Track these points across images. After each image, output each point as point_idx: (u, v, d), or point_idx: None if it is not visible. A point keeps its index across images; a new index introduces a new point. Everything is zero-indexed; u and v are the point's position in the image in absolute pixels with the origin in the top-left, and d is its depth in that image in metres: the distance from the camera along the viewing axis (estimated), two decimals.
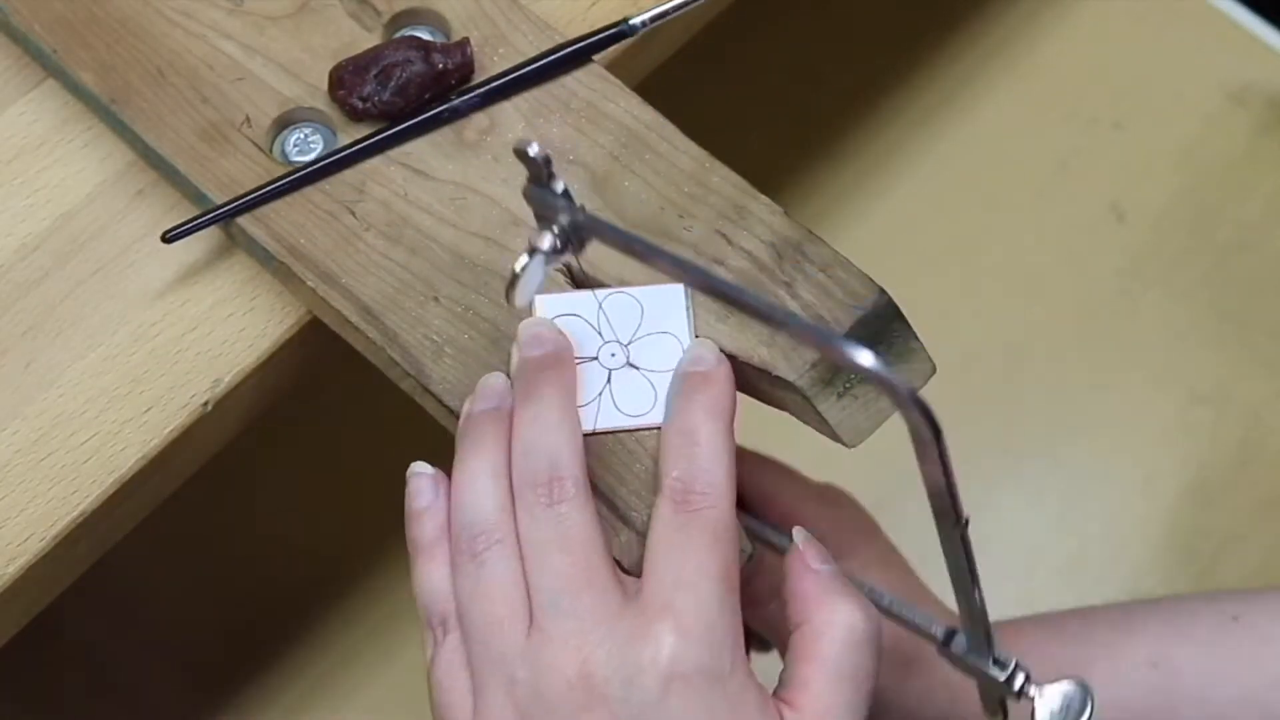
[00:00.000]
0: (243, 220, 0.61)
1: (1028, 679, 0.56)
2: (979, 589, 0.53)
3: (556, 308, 0.57)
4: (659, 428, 0.55)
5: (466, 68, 0.63)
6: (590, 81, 0.63)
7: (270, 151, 0.63)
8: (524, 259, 0.52)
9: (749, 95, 1.10)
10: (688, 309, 0.57)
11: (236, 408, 0.63)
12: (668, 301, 0.57)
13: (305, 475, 0.98)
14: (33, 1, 0.66)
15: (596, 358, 0.56)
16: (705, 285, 0.52)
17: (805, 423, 0.57)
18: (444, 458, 0.59)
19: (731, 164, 0.61)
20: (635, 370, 0.56)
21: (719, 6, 0.73)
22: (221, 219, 0.61)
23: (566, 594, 0.51)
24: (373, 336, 0.59)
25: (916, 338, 0.57)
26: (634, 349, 0.57)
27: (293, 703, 0.92)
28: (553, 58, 0.63)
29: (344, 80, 0.63)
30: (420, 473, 0.56)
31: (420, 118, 0.62)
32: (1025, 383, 1.03)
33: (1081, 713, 0.56)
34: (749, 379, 0.57)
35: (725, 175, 0.60)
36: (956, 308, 1.04)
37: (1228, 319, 1.04)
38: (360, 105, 0.62)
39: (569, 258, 0.53)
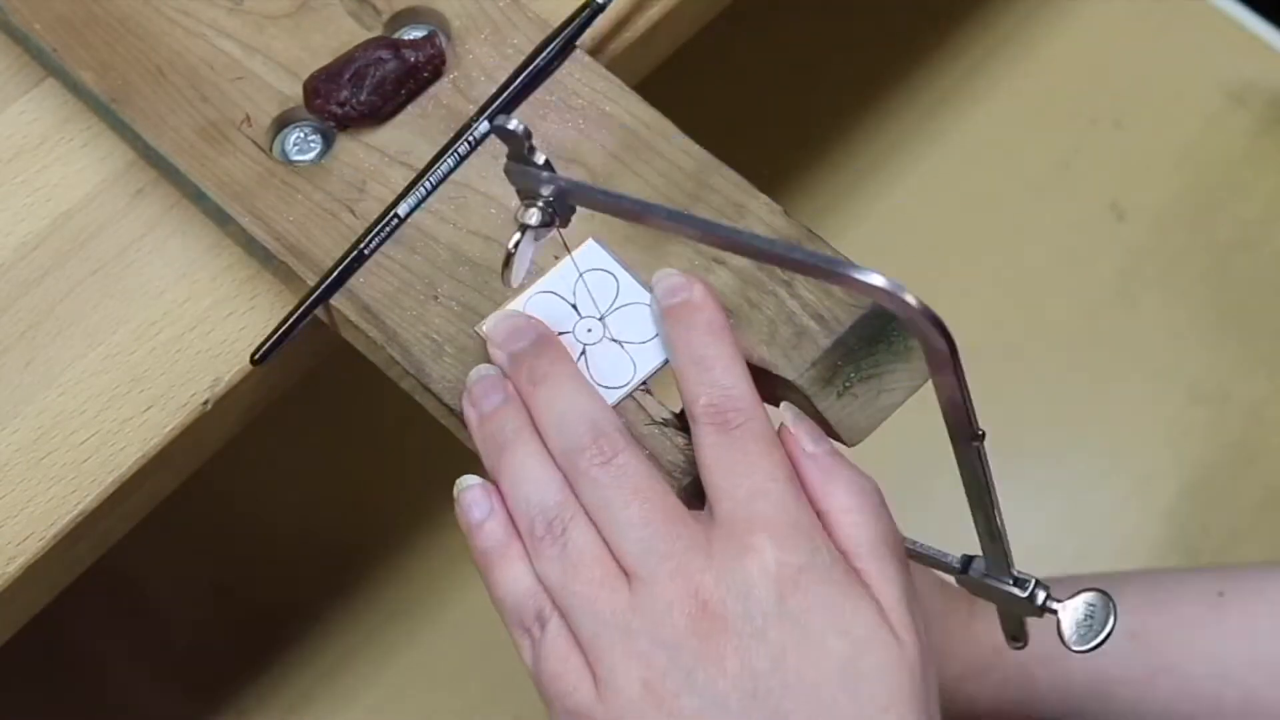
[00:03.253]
0: (243, 220, 0.61)
1: (1049, 594, 0.57)
2: (997, 507, 0.53)
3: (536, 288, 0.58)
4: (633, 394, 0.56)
5: (437, 59, 0.63)
6: (590, 81, 0.63)
7: (270, 150, 0.63)
8: (515, 236, 0.53)
9: (749, 95, 1.10)
10: (613, 255, 0.58)
11: (236, 406, 0.63)
12: (584, 257, 0.58)
13: (305, 475, 0.98)
14: (33, 1, 0.66)
15: (572, 332, 0.57)
16: (702, 235, 0.52)
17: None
18: (444, 457, 0.59)
19: (731, 164, 0.61)
20: (612, 343, 0.57)
21: (719, 6, 0.73)
22: (319, 302, 0.60)
23: (655, 537, 0.51)
24: (373, 335, 0.59)
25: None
26: (610, 321, 0.57)
27: (293, 702, 0.92)
28: (546, 53, 0.63)
29: (318, 90, 0.63)
30: (470, 485, 0.56)
31: (463, 157, 0.62)
32: (1025, 382, 1.03)
33: (1106, 621, 0.56)
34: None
35: (725, 175, 0.60)
36: (956, 307, 1.03)
37: (1228, 318, 1.04)
38: (340, 110, 0.62)
39: (556, 231, 0.53)
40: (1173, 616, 0.71)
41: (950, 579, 0.60)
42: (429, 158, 0.62)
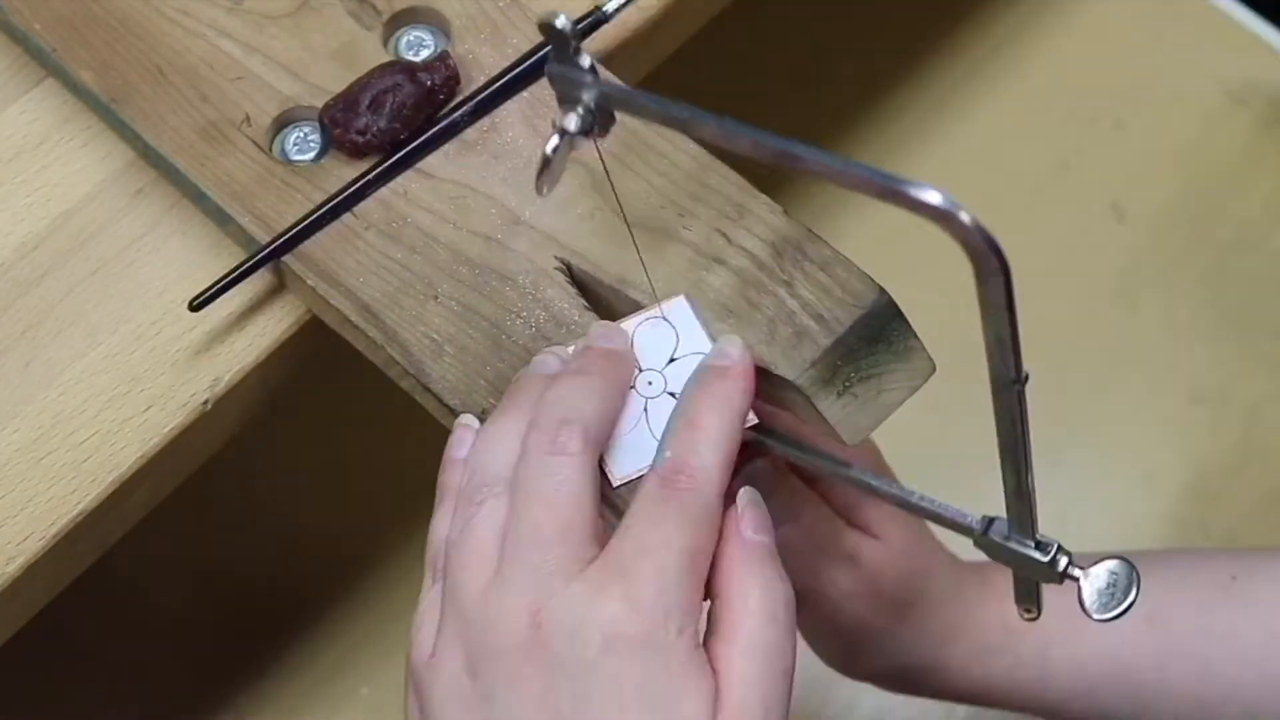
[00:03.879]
0: (243, 220, 0.61)
1: (1071, 560, 0.55)
2: (1029, 463, 0.51)
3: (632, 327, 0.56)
4: None
5: (453, 81, 0.63)
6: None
7: (270, 150, 0.63)
8: (553, 140, 0.51)
9: (749, 95, 1.10)
10: (699, 318, 0.57)
11: (236, 406, 0.63)
12: (684, 318, 0.57)
13: (305, 474, 0.98)
14: (33, 1, 0.66)
15: (634, 387, 0.56)
16: (754, 148, 0.48)
17: (805, 421, 0.57)
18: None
19: (731, 163, 0.61)
20: (673, 398, 0.55)
21: (718, 5, 0.73)
22: (259, 265, 0.61)
23: (536, 546, 0.51)
24: (372, 335, 0.59)
25: (916, 336, 0.57)
26: (670, 374, 0.56)
27: (293, 702, 0.92)
28: (537, 56, 0.63)
29: (336, 119, 0.62)
30: (466, 424, 0.56)
31: (428, 134, 0.62)
32: None
33: (1129, 590, 0.55)
34: None
35: (725, 174, 0.60)
36: (956, 307, 1.03)
37: (1227, 318, 1.04)
38: (360, 139, 0.62)
39: (593, 141, 0.51)
40: (1187, 599, 0.71)
41: (961, 556, 0.58)
42: (429, 156, 0.62)
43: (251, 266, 0.61)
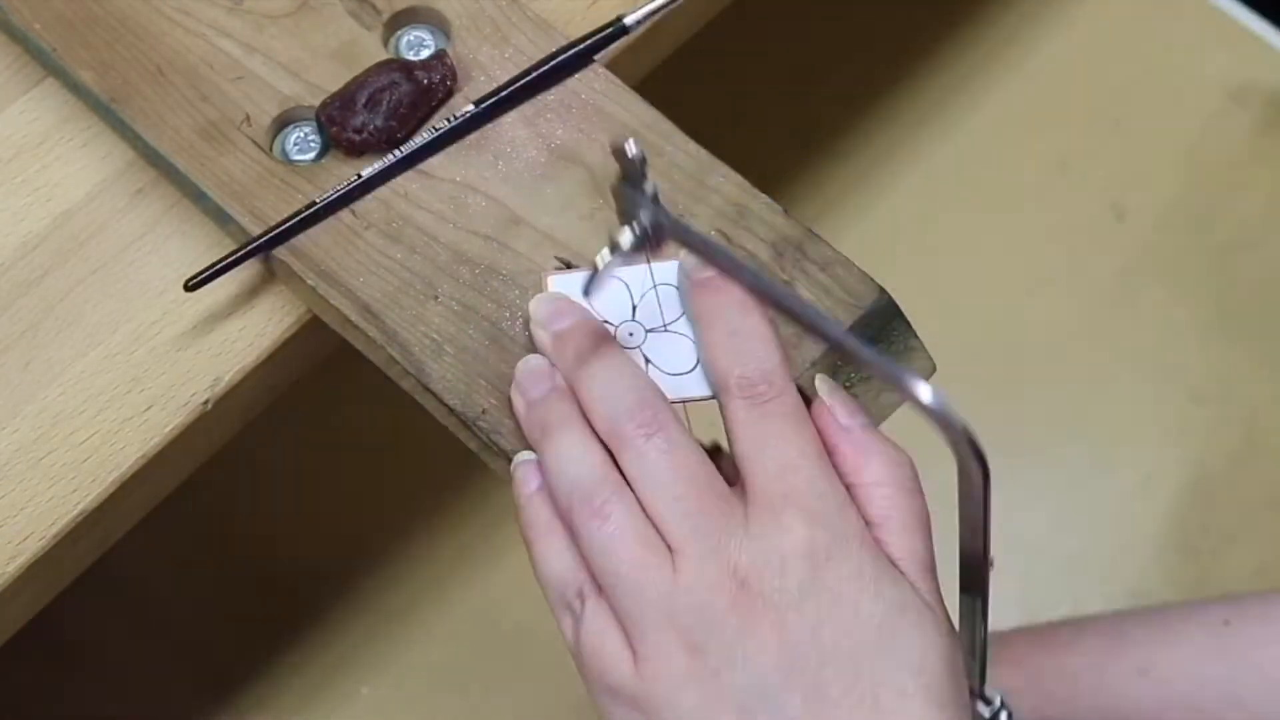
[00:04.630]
0: (243, 220, 0.61)
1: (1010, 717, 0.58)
2: (986, 627, 0.54)
3: (564, 285, 0.58)
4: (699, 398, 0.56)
5: (450, 80, 0.63)
6: (591, 81, 0.63)
7: (270, 150, 0.63)
8: (605, 253, 0.53)
9: (749, 95, 1.10)
10: (626, 259, 0.57)
11: (237, 406, 0.63)
12: (660, 271, 0.58)
13: (305, 474, 0.98)
14: (33, 1, 0.66)
15: (615, 328, 0.57)
16: (775, 306, 0.53)
17: None
18: (444, 457, 0.59)
19: (731, 163, 0.61)
20: (642, 359, 0.56)
21: (718, 5, 0.73)
22: (249, 255, 0.61)
23: (690, 517, 0.52)
24: (373, 335, 0.59)
25: (916, 336, 0.58)
26: (652, 339, 0.57)
27: (293, 703, 0.92)
28: (554, 62, 0.63)
29: (333, 116, 0.62)
30: (527, 459, 0.56)
31: (438, 134, 0.62)
32: (1025, 382, 1.03)
33: None
34: None
35: (725, 174, 0.60)
36: (956, 307, 1.04)
37: (1228, 319, 1.04)
38: (357, 138, 0.62)
39: (643, 257, 0.54)
40: (1180, 650, 0.71)
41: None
42: (429, 156, 0.62)
43: (257, 248, 0.60)
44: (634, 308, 0.57)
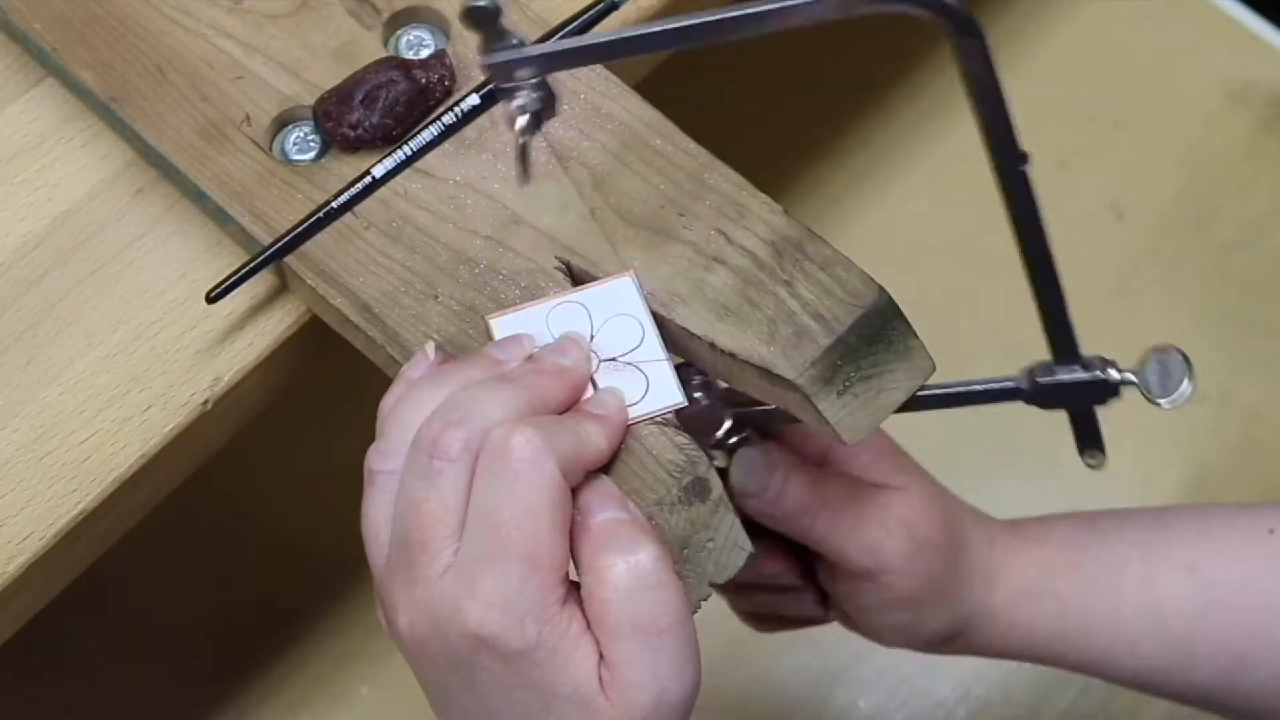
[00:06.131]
0: (243, 220, 0.61)
1: (1116, 365, 0.54)
2: (1057, 274, 0.50)
3: (511, 327, 0.57)
4: (658, 416, 0.55)
5: (448, 79, 0.63)
6: (591, 80, 0.63)
7: (270, 150, 0.63)
8: (520, 122, 0.51)
9: (749, 95, 1.10)
10: (640, 293, 0.57)
11: (236, 406, 0.63)
12: (618, 294, 0.57)
13: (305, 474, 0.98)
14: (32, 0, 0.66)
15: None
16: (680, 40, 0.49)
17: (805, 421, 0.57)
18: None
19: (731, 163, 0.61)
20: (613, 362, 0.56)
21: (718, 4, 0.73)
22: (266, 264, 0.61)
23: (409, 549, 0.54)
24: (372, 335, 0.59)
25: (916, 336, 0.58)
26: (598, 343, 0.57)
27: (293, 703, 0.92)
28: (553, 41, 0.63)
29: (330, 112, 0.62)
30: (429, 349, 0.57)
31: (439, 130, 0.62)
32: None
33: (1184, 371, 0.55)
34: (749, 378, 0.57)
35: (725, 174, 0.60)
36: (956, 306, 1.04)
37: (1228, 318, 1.04)
38: (352, 134, 0.62)
39: (549, 122, 0.52)
40: (1225, 551, 0.70)
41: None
42: (429, 156, 0.62)
43: (276, 254, 0.60)
44: (592, 337, 0.57)
